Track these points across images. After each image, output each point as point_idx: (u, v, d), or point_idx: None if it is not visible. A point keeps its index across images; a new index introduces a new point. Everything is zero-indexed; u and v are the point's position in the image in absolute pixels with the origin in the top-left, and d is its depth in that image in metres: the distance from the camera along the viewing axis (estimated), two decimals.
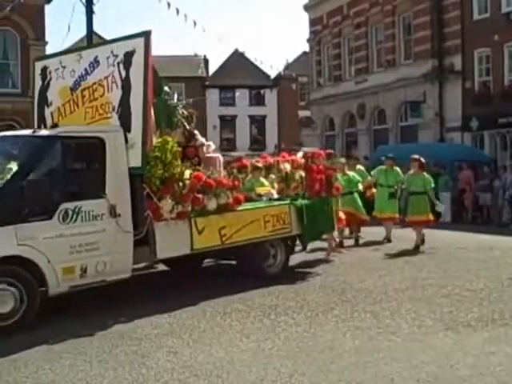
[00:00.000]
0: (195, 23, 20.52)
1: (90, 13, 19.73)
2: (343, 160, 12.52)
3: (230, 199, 8.00)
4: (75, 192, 6.69)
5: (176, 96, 9.32)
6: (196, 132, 9.32)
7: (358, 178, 12.20)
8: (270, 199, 8.95)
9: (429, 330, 5.94)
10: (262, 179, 9.53)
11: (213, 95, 44.36)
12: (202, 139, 9.31)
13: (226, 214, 7.96)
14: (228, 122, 45.90)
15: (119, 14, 75.54)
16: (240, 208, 8.20)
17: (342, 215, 10.61)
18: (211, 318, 6.53)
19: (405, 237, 11.76)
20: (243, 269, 8.70)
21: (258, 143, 44.45)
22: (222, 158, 9.61)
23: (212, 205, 7.79)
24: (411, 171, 11.99)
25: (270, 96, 45.56)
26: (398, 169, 12.92)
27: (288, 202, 8.93)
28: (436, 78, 23.83)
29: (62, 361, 5.26)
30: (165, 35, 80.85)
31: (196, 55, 46.77)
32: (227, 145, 44.49)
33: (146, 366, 5.07)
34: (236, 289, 7.93)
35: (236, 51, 40.32)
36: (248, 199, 8.68)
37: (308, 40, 32.72)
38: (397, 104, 25.86)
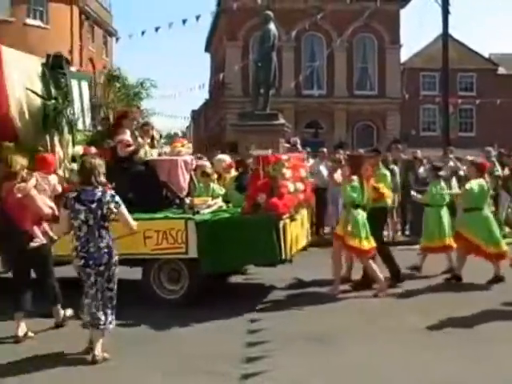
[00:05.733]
0: None
1: (445, 13, 19.47)
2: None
3: None
4: None
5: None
6: (124, 134, 7.81)
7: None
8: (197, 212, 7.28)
9: None
10: (215, 186, 8.39)
11: None
12: (123, 136, 7.79)
13: None
14: None
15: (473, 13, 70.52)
16: None
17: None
18: None
19: None
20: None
21: None
22: (194, 162, 8.28)
23: None
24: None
25: None
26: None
27: (185, 216, 7.19)
28: None
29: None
30: None
31: None
32: None
33: None
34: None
35: None
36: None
37: None
38: None
